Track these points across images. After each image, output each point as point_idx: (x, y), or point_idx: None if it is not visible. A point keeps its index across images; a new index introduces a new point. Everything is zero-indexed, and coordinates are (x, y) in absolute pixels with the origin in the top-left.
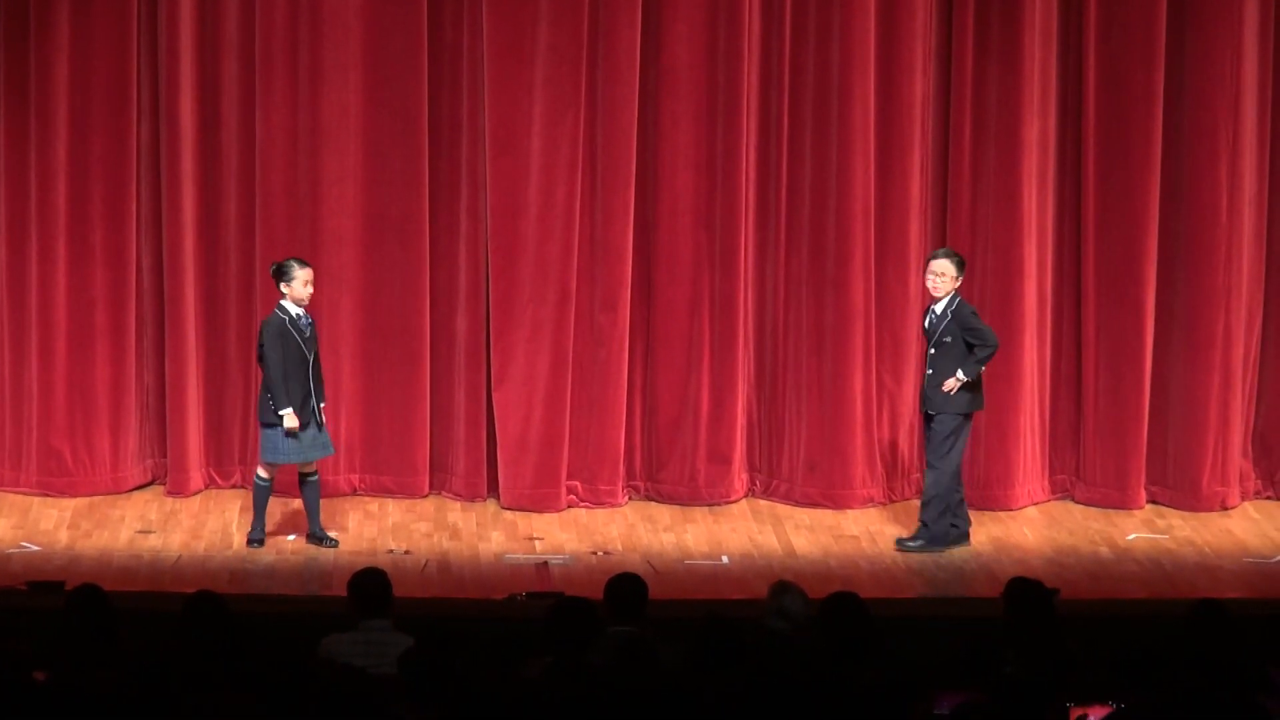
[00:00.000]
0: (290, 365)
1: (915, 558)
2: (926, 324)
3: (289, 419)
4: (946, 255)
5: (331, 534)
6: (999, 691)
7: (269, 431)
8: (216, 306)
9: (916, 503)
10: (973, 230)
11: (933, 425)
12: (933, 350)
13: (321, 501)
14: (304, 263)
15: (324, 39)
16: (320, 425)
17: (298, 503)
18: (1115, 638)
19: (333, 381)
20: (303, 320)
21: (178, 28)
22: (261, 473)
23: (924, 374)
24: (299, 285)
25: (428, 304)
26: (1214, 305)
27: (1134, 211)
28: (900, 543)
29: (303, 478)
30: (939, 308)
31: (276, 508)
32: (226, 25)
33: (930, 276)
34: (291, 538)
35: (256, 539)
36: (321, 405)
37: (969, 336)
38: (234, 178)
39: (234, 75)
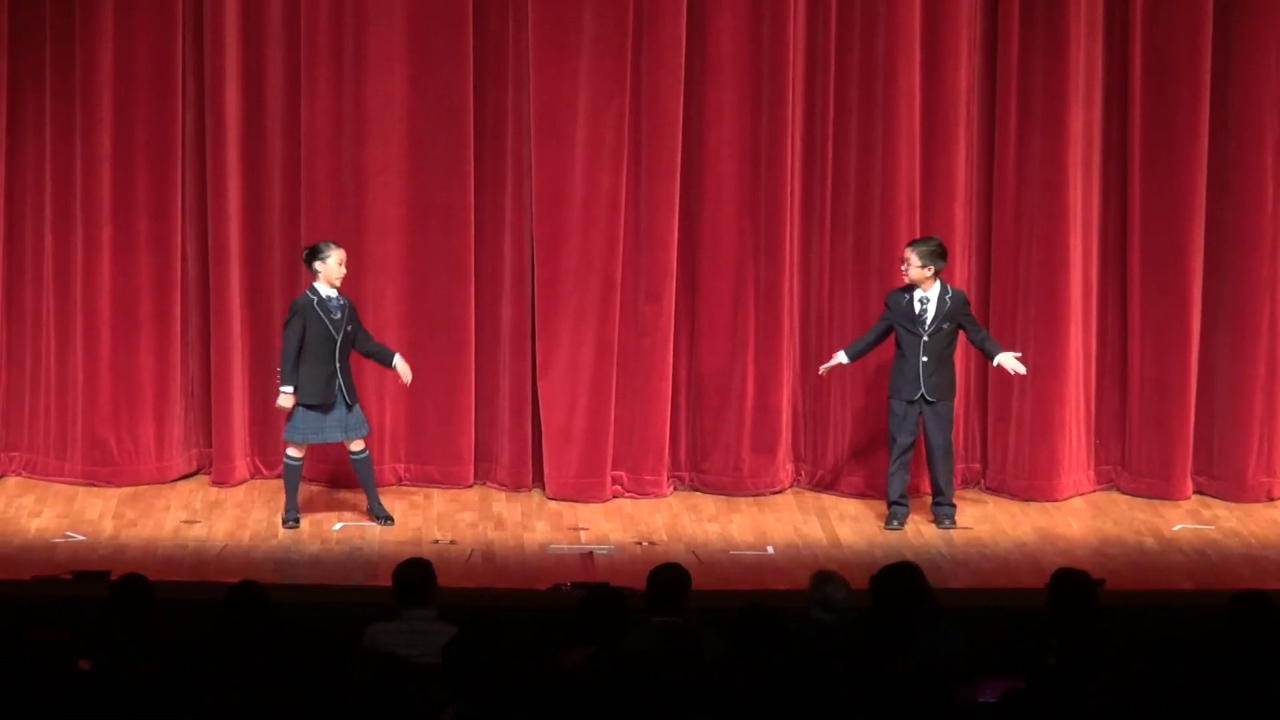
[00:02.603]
0: (314, 345)
1: (960, 548)
2: (918, 311)
3: (284, 398)
4: (915, 243)
5: (389, 513)
6: (1042, 681)
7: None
8: (261, 295)
9: (960, 492)
10: (1017, 219)
11: (937, 410)
12: (927, 338)
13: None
14: (336, 244)
15: (369, 28)
16: (349, 406)
17: (342, 492)
18: (1160, 628)
19: (376, 370)
20: (333, 301)
21: (222, 16)
22: (290, 451)
23: (918, 361)
24: (334, 264)
25: (472, 293)
26: (1260, 295)
27: (1179, 201)
28: (945, 525)
29: (351, 457)
30: (931, 294)
31: (320, 496)
32: (271, 14)
33: (900, 262)
34: (338, 526)
35: (289, 519)
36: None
37: (967, 320)
38: (278, 166)
39: (278, 64)
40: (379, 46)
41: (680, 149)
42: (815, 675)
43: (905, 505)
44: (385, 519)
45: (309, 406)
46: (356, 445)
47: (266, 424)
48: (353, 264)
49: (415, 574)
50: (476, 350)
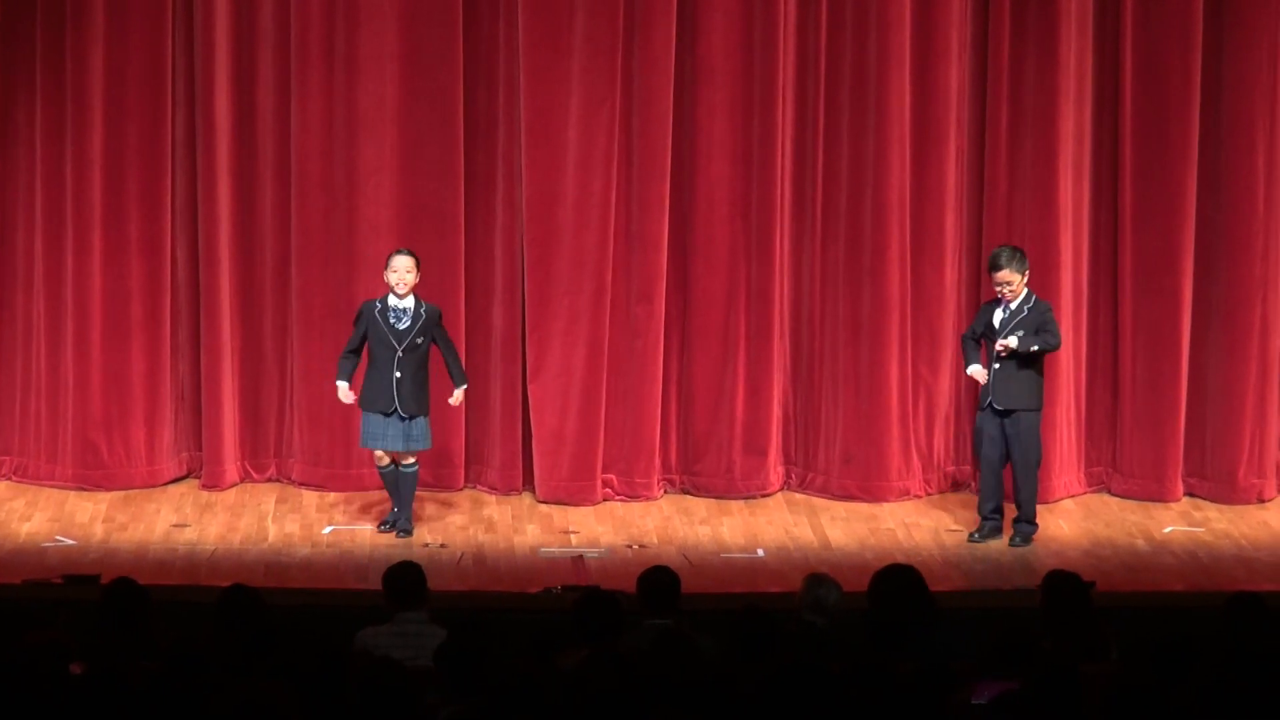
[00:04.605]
0: (375, 351)
1: (952, 550)
2: (997, 321)
3: (340, 392)
4: (1007, 263)
5: (410, 527)
6: (1035, 683)
7: None
8: (252, 298)
9: (954, 496)
10: (1009, 221)
11: (1016, 420)
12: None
13: (357, 495)
14: (401, 250)
15: (360, 29)
16: (405, 418)
17: (332, 495)
18: (1152, 630)
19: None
20: (395, 312)
21: (213, 18)
22: (376, 461)
23: (992, 369)
24: (389, 273)
25: (463, 295)
26: (1251, 296)
27: (1171, 202)
28: (1015, 543)
29: (400, 467)
30: (1014, 304)
31: (313, 499)
32: (262, 16)
33: (1001, 288)
34: (328, 529)
35: (384, 524)
36: (461, 387)
37: (1043, 328)
38: (269, 168)
39: (269, 66)
40: (370, 48)
41: (671, 151)
42: (810, 677)
43: (994, 519)
44: (405, 531)
45: (372, 411)
46: (409, 459)
47: (257, 428)
48: (343, 266)
49: (406, 577)
50: (467, 353)
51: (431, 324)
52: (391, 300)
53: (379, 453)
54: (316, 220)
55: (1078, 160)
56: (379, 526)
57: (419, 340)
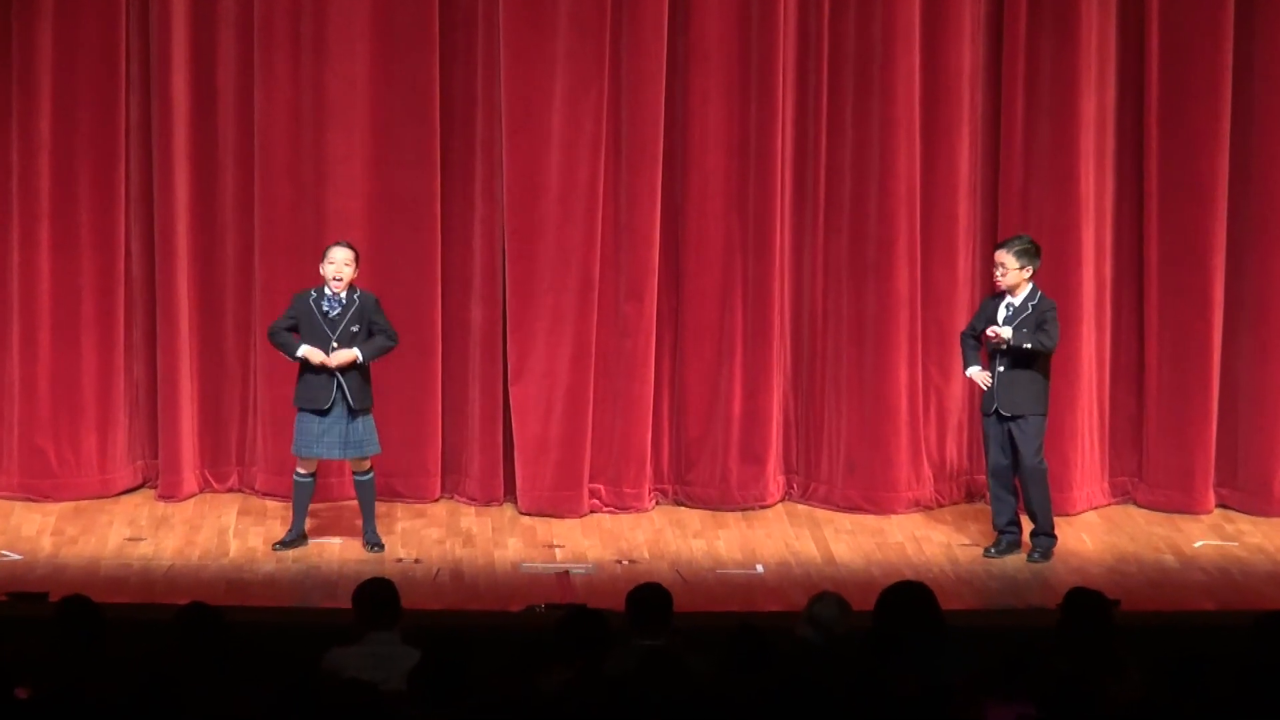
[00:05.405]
0: (310, 344)
1: (965, 566)
2: (1000, 318)
3: (310, 354)
4: (1009, 248)
5: (381, 540)
6: (1053, 706)
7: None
8: (212, 294)
9: (967, 507)
10: (1025, 213)
11: (1020, 426)
12: (1004, 345)
13: (326, 506)
14: (340, 243)
15: (329, 7)
16: (349, 417)
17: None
18: (1179, 651)
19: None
20: (329, 301)
21: None
22: (297, 467)
23: (995, 372)
24: (324, 264)
25: (439, 292)
26: None
27: (1200, 193)
28: (1032, 558)
29: (354, 477)
30: (1017, 300)
31: (278, 510)
32: None
33: (995, 269)
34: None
35: (280, 542)
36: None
37: (1041, 326)
38: (231, 156)
39: (231, 46)
40: (340, 26)
41: (663, 138)
42: (801, 696)
43: (1010, 533)
44: (376, 546)
45: (306, 412)
46: (364, 465)
47: (218, 434)
48: (310, 260)
49: (378, 595)
50: (444, 354)
51: (367, 309)
52: (328, 290)
53: (303, 464)
54: (282, 211)
55: (1099, 148)
56: (274, 546)
57: (354, 328)
